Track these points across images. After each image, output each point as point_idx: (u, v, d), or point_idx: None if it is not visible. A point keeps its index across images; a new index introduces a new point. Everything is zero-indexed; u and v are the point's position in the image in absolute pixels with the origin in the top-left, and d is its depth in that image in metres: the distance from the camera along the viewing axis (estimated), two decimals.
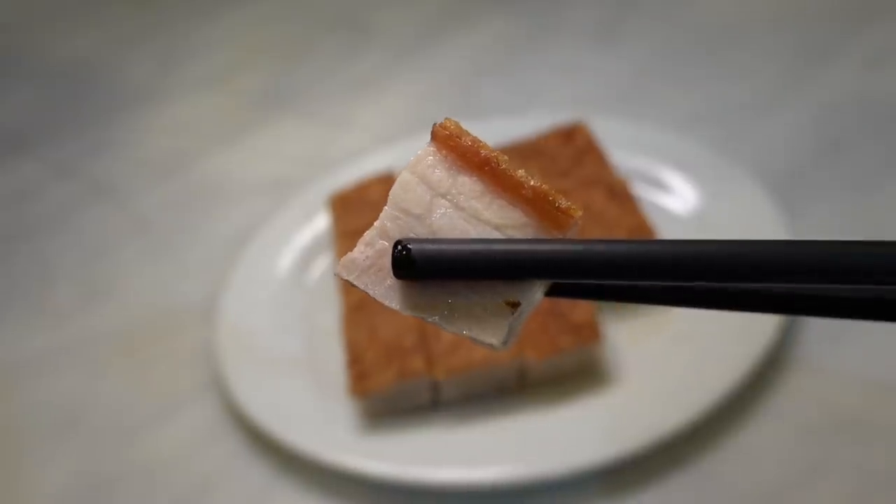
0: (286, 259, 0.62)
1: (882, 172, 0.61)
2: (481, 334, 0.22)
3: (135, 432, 0.55)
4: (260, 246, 0.63)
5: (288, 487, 0.49)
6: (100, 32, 1.02)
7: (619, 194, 0.56)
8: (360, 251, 0.23)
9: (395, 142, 0.72)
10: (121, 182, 0.78)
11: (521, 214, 0.22)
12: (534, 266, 0.21)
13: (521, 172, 0.22)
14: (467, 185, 0.22)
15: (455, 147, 0.22)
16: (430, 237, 0.22)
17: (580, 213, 0.22)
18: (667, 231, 0.55)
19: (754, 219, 0.55)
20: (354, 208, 0.61)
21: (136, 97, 0.89)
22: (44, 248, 0.72)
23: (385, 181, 0.62)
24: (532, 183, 0.22)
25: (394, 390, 0.49)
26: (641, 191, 0.60)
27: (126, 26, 1.03)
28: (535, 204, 0.22)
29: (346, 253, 0.64)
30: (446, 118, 0.23)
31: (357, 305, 0.53)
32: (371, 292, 0.23)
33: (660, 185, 0.61)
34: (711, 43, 0.78)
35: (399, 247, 0.21)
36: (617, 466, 0.45)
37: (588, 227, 0.54)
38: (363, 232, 0.67)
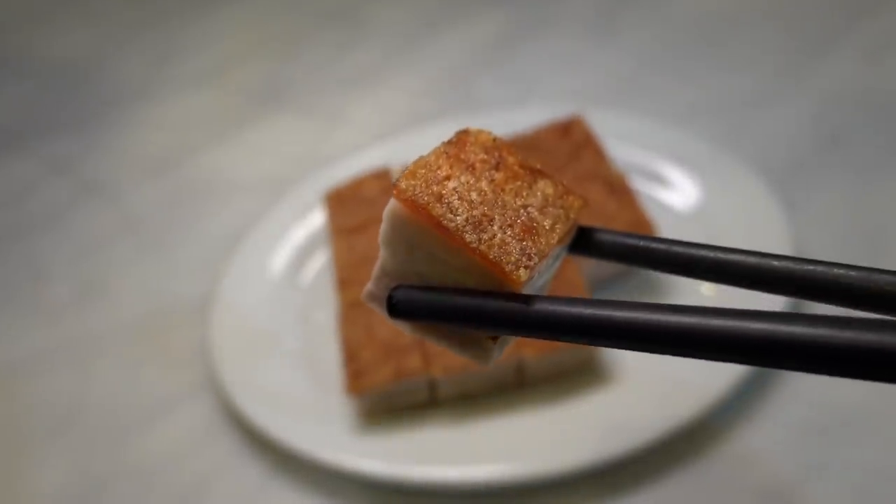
0: (281, 256, 0.61)
1: (882, 165, 0.60)
2: (471, 358, 0.25)
3: (130, 432, 0.54)
4: (255, 243, 0.62)
5: (284, 487, 0.49)
6: (92, 29, 1.01)
7: (617, 189, 0.56)
8: (373, 285, 0.26)
9: (391, 137, 0.71)
10: (114, 180, 0.78)
11: (481, 265, 0.23)
12: (490, 320, 0.23)
13: (469, 237, 0.23)
14: (434, 238, 0.24)
15: (412, 207, 0.24)
16: (418, 281, 0.24)
17: (525, 278, 0.23)
18: (666, 226, 0.55)
19: (754, 213, 0.55)
20: (350, 205, 0.60)
21: (129, 94, 0.89)
22: (36, 247, 0.71)
23: (381, 177, 0.61)
24: (481, 248, 0.23)
25: (391, 388, 0.48)
26: (640, 185, 0.59)
27: (119, 23, 1.02)
28: (486, 265, 0.23)
29: (341, 250, 0.63)
30: (404, 173, 0.24)
31: (353, 303, 0.53)
32: (387, 319, 0.25)
33: (659, 180, 0.60)
34: (711, 35, 0.78)
35: (390, 295, 0.25)
36: (615, 465, 0.44)
37: (586, 223, 0.53)
38: (359, 229, 0.66)
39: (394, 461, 0.46)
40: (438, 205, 0.23)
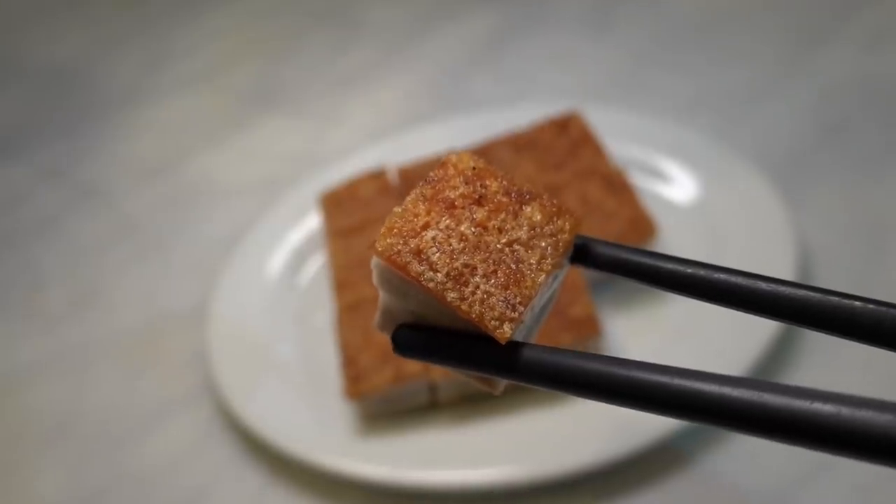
0: (278, 260, 0.61)
1: (883, 157, 0.59)
2: (479, 386, 0.25)
3: (127, 440, 0.54)
4: (251, 247, 0.62)
5: (284, 493, 0.48)
6: (84, 34, 1.01)
7: (616, 185, 0.55)
8: (380, 317, 0.26)
9: (386, 138, 0.71)
10: (107, 185, 0.77)
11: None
12: (480, 367, 0.24)
13: (451, 295, 0.23)
14: (419, 290, 0.24)
15: (392, 266, 0.24)
16: (415, 319, 0.25)
17: (509, 333, 0.23)
18: (666, 222, 0.54)
19: (755, 206, 0.54)
20: (346, 206, 0.59)
21: (121, 98, 0.88)
22: (30, 254, 0.71)
23: (376, 178, 0.61)
24: (463, 307, 0.23)
25: (390, 392, 0.47)
26: (639, 181, 0.58)
27: (111, 27, 1.01)
28: (470, 321, 0.23)
29: (338, 252, 0.63)
30: (382, 229, 0.24)
31: (350, 306, 0.52)
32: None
33: (658, 175, 0.60)
34: (708, 28, 0.77)
35: (393, 335, 0.25)
36: (618, 466, 0.44)
37: (586, 220, 0.52)
38: (355, 231, 0.65)
39: (394, 465, 0.46)
40: (417, 263, 0.23)
